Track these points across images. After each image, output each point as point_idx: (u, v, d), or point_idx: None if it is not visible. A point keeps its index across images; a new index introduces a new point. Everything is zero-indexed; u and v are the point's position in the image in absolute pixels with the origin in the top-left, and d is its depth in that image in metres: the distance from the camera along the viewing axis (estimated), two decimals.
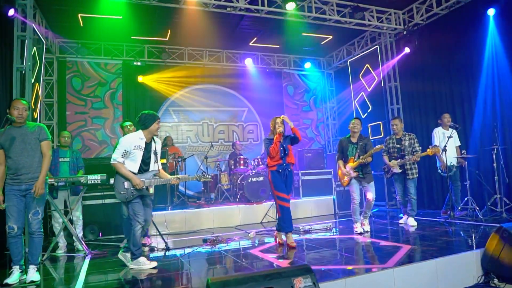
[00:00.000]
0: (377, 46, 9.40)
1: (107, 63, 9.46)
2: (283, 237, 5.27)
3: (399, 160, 6.25)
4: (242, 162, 8.45)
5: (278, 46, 10.30)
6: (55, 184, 5.07)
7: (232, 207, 7.74)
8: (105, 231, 6.60)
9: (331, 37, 9.76)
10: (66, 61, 9.10)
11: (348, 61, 10.60)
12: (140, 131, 4.39)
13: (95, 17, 7.83)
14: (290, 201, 5.27)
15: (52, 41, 8.75)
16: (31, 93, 6.82)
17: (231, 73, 10.82)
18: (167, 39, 9.19)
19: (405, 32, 8.49)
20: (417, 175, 6.25)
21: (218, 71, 10.73)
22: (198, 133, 10.30)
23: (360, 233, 5.76)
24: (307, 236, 5.91)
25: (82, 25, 8.11)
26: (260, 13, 7.77)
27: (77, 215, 5.79)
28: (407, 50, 8.45)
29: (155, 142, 4.52)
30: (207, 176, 4.78)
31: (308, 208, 8.33)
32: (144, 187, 4.33)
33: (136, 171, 4.32)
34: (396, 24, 8.70)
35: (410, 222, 6.19)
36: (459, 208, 6.65)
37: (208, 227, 7.37)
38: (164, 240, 5.65)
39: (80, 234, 5.82)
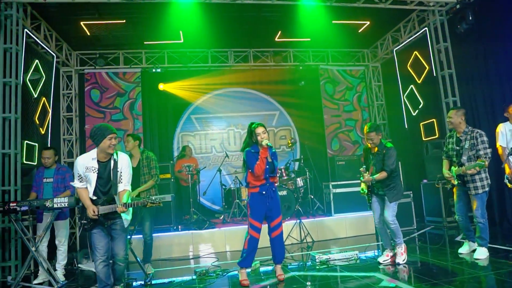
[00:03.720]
0: (426, 28, 7.69)
1: (125, 72, 8.97)
2: (246, 272, 4.29)
3: (457, 168, 4.63)
4: None
5: (309, 39, 9.02)
6: (18, 209, 4.47)
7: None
8: None
9: (368, 23, 8.25)
10: (84, 73, 8.75)
11: (394, 50, 8.96)
12: (94, 149, 3.72)
13: (98, 23, 7.30)
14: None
15: (68, 53, 8.45)
16: (25, 107, 6.41)
17: (260, 74, 9.80)
18: (182, 41, 8.42)
19: (458, 7, 6.73)
20: (485, 190, 4.52)
21: (245, 72, 9.78)
22: (223, 142, 9.39)
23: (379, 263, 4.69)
24: (320, 271, 4.63)
25: (88, 34, 7.64)
26: (271, 0, 6.63)
27: (59, 240, 5.20)
28: (462, 29, 6.67)
29: (116, 159, 3.73)
30: (156, 200, 3.86)
31: (342, 228, 6.94)
32: (97, 216, 3.58)
33: (91, 195, 3.66)
34: None
35: (478, 254, 4.56)
36: None
37: (219, 251, 6.41)
38: (144, 272, 4.75)
39: (64, 262, 5.19)
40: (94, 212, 3.55)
